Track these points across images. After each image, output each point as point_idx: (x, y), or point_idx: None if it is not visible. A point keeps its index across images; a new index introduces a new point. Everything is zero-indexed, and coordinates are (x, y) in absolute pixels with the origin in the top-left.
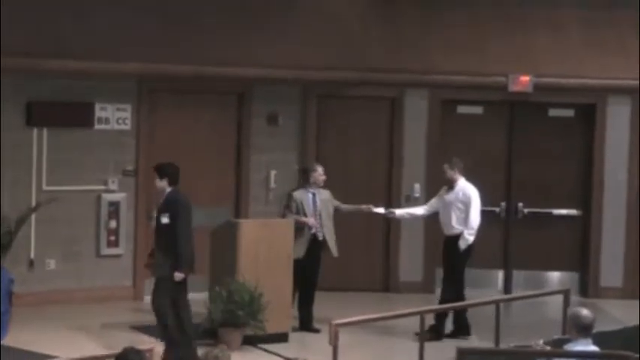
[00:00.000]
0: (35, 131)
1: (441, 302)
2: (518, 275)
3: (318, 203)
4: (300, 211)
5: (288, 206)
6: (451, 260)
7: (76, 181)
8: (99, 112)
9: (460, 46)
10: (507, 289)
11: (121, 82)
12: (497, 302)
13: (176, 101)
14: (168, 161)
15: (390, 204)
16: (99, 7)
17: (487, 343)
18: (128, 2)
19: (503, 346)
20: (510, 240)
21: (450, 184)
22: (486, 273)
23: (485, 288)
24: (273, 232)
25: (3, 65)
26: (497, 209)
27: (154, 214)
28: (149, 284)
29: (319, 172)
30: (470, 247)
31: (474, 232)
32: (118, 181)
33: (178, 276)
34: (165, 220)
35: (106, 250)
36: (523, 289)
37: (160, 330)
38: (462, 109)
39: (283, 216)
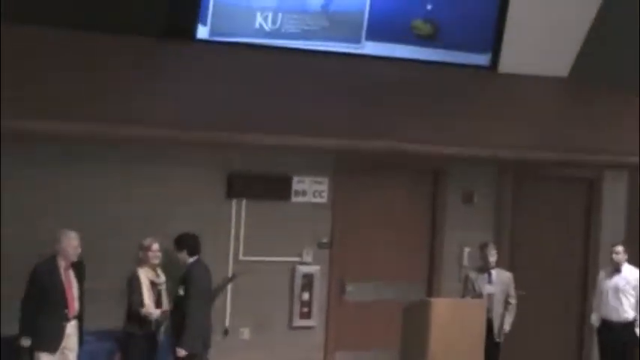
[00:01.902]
0: (234, 203)
1: None
2: None
3: (493, 284)
4: (476, 290)
5: (466, 286)
6: (621, 347)
7: (272, 253)
8: (296, 185)
9: None
10: None
11: (318, 156)
12: None
13: (371, 176)
14: (187, 232)
15: (585, 288)
16: (298, 85)
17: None
18: (326, 81)
19: None
20: None
21: (617, 267)
22: None
23: None
24: (465, 312)
25: (205, 139)
26: None
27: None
28: (341, 357)
29: (491, 253)
30: None
31: None
32: (313, 253)
33: (179, 351)
34: (180, 292)
35: (299, 322)
36: None
37: None
38: None
39: (462, 295)
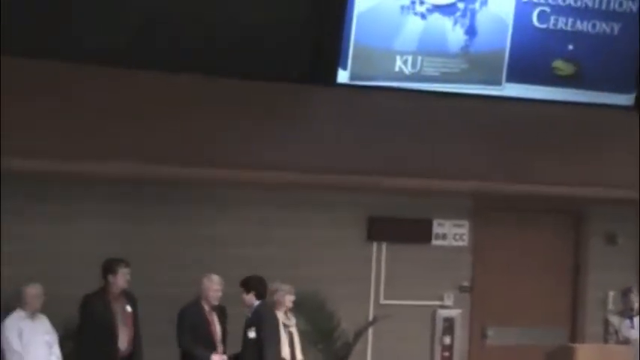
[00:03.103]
0: (375, 245)
1: None
2: None
3: (637, 329)
4: (619, 336)
5: (607, 330)
6: None
7: (412, 296)
8: (436, 228)
9: None
10: None
11: (458, 199)
12: None
13: (512, 219)
14: (255, 275)
15: None
16: (438, 127)
17: None
18: (466, 123)
19: None
20: None
21: None
22: None
23: None
24: (611, 358)
25: (346, 183)
26: None
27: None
28: None
29: (635, 298)
30: None
31: None
32: (454, 297)
33: None
34: (252, 334)
35: None
36: None
37: None
38: None
39: (605, 341)
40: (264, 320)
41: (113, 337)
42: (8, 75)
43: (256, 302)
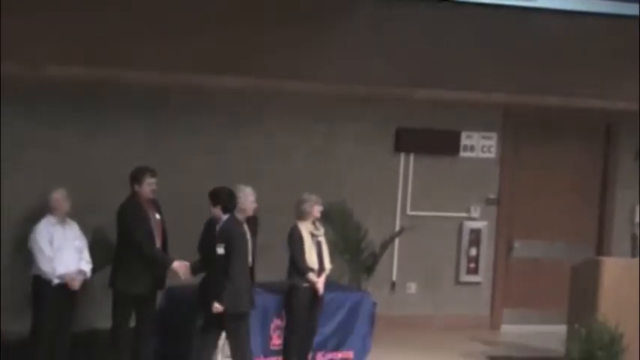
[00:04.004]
0: (402, 157)
1: None
2: None
3: None
4: None
5: (634, 245)
6: None
7: (439, 208)
8: (465, 140)
9: None
10: None
11: (487, 111)
12: None
13: (541, 132)
14: (223, 186)
15: None
16: (469, 40)
17: None
18: (498, 36)
19: None
20: None
21: None
22: None
23: None
24: (637, 272)
25: (375, 94)
26: None
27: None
28: (508, 314)
29: None
30: None
31: None
32: (480, 209)
33: (216, 307)
34: (220, 250)
35: (465, 278)
36: None
37: None
38: None
39: (632, 255)
40: (232, 236)
41: (153, 241)
42: None
43: (224, 216)
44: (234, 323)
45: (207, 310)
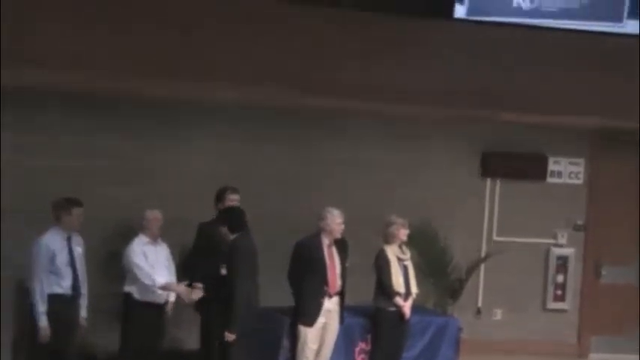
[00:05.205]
0: (489, 181)
1: None
2: None
3: None
4: None
5: None
6: None
7: (526, 233)
8: (552, 165)
9: None
10: None
11: (575, 136)
12: None
13: (630, 157)
14: (231, 206)
15: None
16: (555, 64)
17: None
18: (584, 59)
19: None
20: None
21: None
22: None
23: None
24: None
25: (461, 116)
26: None
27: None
28: (596, 342)
29: None
30: None
31: None
32: (568, 235)
33: (229, 336)
34: (223, 271)
35: (552, 305)
36: None
37: None
38: None
39: None
40: (237, 255)
41: (255, 265)
42: None
43: (232, 236)
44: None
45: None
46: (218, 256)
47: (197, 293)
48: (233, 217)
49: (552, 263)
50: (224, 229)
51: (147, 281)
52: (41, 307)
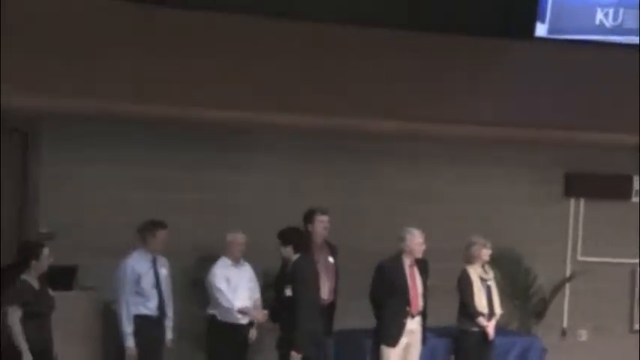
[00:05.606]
0: (572, 202)
1: None
2: None
3: None
4: None
5: None
6: None
7: (611, 254)
8: (637, 184)
9: None
10: None
11: None
12: None
13: None
14: (293, 227)
15: None
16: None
17: None
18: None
19: None
20: None
21: None
22: None
23: None
24: None
25: (543, 138)
26: None
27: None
28: None
29: None
30: None
31: None
32: None
33: (295, 356)
34: (288, 292)
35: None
36: None
37: None
38: None
39: None
40: (299, 276)
41: (317, 286)
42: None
43: (294, 256)
44: None
45: None
46: (282, 277)
47: (263, 316)
48: (297, 237)
49: (638, 284)
50: (287, 249)
51: (226, 304)
52: (128, 328)
